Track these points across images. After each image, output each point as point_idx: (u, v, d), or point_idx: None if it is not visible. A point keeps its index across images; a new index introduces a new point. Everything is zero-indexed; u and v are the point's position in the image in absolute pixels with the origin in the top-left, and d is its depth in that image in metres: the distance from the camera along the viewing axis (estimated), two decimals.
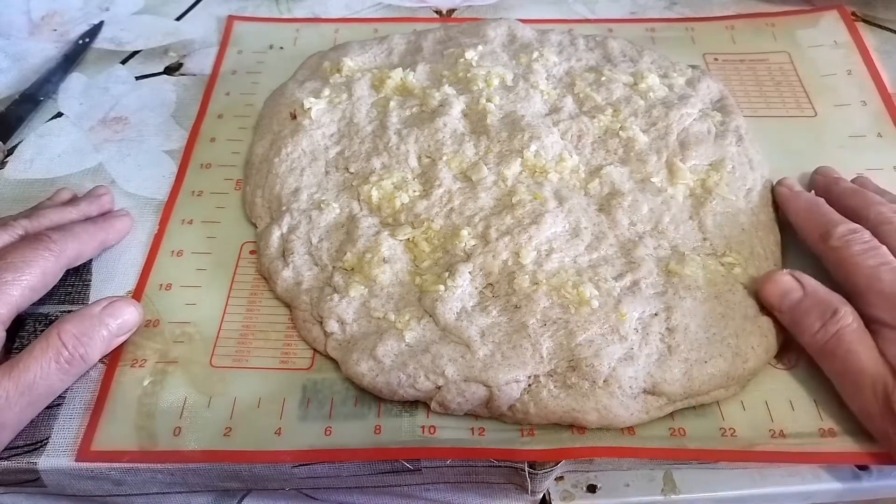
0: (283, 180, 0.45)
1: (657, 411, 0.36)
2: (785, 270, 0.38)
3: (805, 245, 0.41)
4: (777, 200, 0.44)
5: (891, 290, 0.35)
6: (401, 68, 0.50)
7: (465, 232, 0.41)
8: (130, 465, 0.36)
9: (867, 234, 0.38)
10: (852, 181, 0.43)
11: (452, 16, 0.60)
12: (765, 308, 0.39)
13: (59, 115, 0.52)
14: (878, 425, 0.34)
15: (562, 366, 0.37)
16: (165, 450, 0.36)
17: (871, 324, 0.35)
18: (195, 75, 0.55)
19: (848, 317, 0.35)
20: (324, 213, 0.43)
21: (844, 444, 0.36)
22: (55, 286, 0.40)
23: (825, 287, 0.37)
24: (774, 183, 0.44)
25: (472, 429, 0.37)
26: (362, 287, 0.39)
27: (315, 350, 0.40)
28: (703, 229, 0.42)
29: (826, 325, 0.35)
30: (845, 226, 0.38)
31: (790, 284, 0.37)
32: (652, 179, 0.44)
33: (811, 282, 0.37)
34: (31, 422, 0.37)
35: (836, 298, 0.36)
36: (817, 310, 0.36)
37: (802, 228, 0.41)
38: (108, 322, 0.38)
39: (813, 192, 0.44)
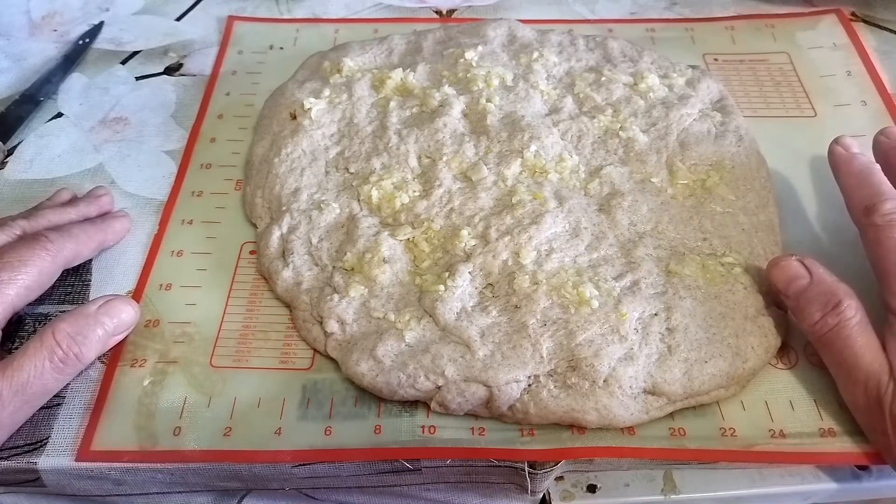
0: (283, 180, 0.45)
1: (657, 411, 0.36)
2: (794, 256, 0.37)
3: (849, 215, 0.39)
4: (830, 160, 0.41)
5: None
6: (401, 68, 0.50)
7: (465, 232, 0.41)
8: (130, 464, 0.36)
9: None
10: None
11: (452, 16, 0.60)
12: (765, 308, 0.39)
13: (60, 115, 0.52)
14: (867, 420, 0.34)
15: (562, 366, 0.37)
16: (165, 450, 0.36)
17: (887, 314, 0.35)
18: (195, 75, 0.55)
19: (850, 310, 0.35)
20: (324, 214, 0.43)
21: (844, 444, 0.36)
22: (55, 286, 0.40)
23: (834, 276, 0.36)
24: (831, 141, 0.42)
25: (472, 429, 0.37)
26: (362, 287, 0.39)
27: (315, 350, 0.40)
28: (703, 229, 0.42)
29: (826, 316, 0.35)
30: (894, 202, 0.36)
31: (797, 271, 0.37)
32: (652, 179, 0.44)
33: (819, 269, 0.36)
34: (31, 421, 0.37)
35: (841, 289, 0.35)
36: (821, 299, 0.35)
37: (849, 196, 0.39)
38: (105, 321, 0.38)
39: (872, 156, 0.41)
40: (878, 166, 0.39)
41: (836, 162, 0.41)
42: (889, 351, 0.34)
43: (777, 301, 0.39)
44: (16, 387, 0.34)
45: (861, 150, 0.41)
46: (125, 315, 0.39)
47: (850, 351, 0.34)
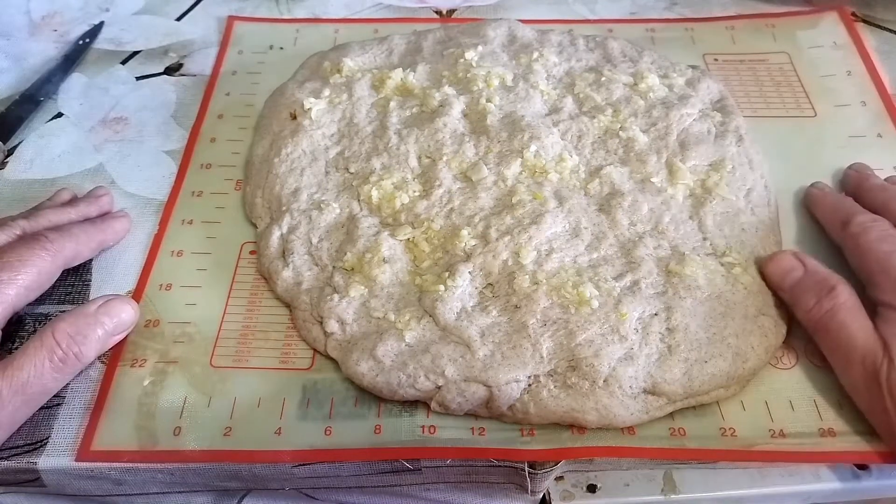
0: (283, 180, 0.45)
1: (657, 411, 0.36)
2: (789, 251, 0.39)
3: (827, 237, 0.42)
4: (807, 201, 0.45)
5: None
6: (401, 68, 0.50)
7: (465, 232, 0.41)
8: (130, 464, 0.36)
9: (886, 224, 0.39)
10: (886, 179, 0.44)
11: (452, 16, 0.60)
12: (765, 308, 0.39)
13: (60, 115, 0.52)
14: (865, 399, 0.35)
15: (562, 366, 0.37)
16: (165, 450, 0.36)
17: (876, 307, 0.36)
18: (195, 75, 0.55)
19: (843, 294, 0.36)
20: (324, 214, 0.43)
21: (844, 443, 0.36)
22: (55, 286, 0.40)
23: (826, 268, 0.38)
24: (808, 185, 0.45)
25: (472, 429, 0.37)
26: (362, 287, 0.39)
27: (315, 350, 0.40)
28: (703, 229, 0.42)
29: (821, 301, 0.37)
30: (866, 215, 0.40)
31: (792, 263, 0.39)
32: (652, 179, 0.44)
33: (812, 262, 0.39)
34: (31, 421, 0.37)
35: (834, 277, 0.37)
36: (815, 287, 0.37)
37: (827, 220, 0.43)
38: (104, 321, 0.38)
39: (843, 191, 0.45)
40: (850, 198, 0.43)
41: (812, 200, 0.44)
42: (881, 330, 0.35)
43: (779, 297, 0.39)
44: (15, 386, 0.34)
45: (835, 184, 0.46)
46: (125, 315, 0.39)
47: (846, 332, 0.35)
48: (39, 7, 0.61)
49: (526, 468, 0.36)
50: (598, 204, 0.43)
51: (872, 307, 0.36)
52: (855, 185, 0.44)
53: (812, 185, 0.45)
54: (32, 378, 0.35)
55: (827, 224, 0.42)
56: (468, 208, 0.42)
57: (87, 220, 0.43)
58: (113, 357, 0.39)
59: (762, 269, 0.40)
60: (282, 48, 0.57)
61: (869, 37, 0.56)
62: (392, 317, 0.38)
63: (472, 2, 0.61)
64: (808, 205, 0.45)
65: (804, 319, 0.38)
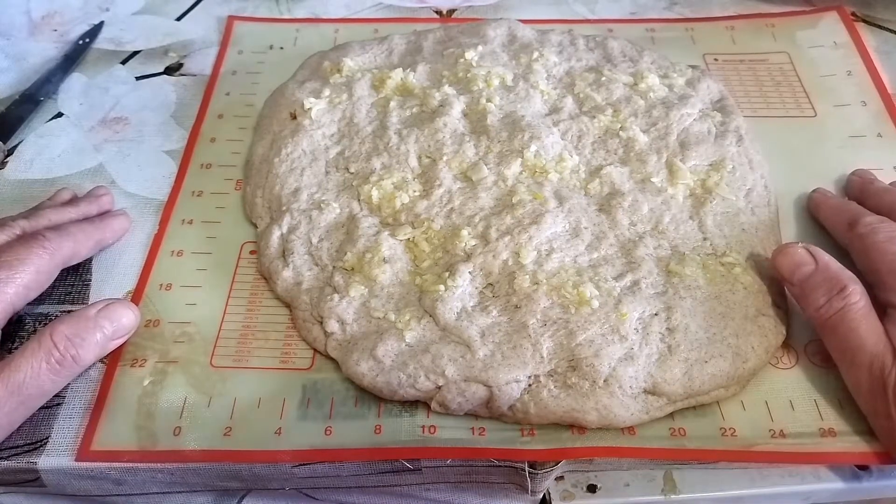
0: (283, 180, 0.45)
1: (657, 411, 0.36)
2: (800, 244, 0.38)
3: (834, 239, 0.42)
4: (810, 206, 0.45)
5: None
6: (401, 68, 0.50)
7: (465, 232, 0.41)
8: (130, 464, 0.36)
9: (894, 225, 0.38)
10: (891, 183, 0.44)
11: (452, 16, 0.60)
12: (765, 308, 0.39)
13: (60, 115, 0.52)
14: (868, 402, 0.35)
15: (562, 366, 0.37)
16: (165, 449, 0.36)
17: (886, 308, 0.36)
18: (195, 75, 0.55)
19: (855, 295, 0.35)
20: (324, 213, 0.43)
21: (844, 444, 0.36)
22: (54, 286, 0.40)
23: (838, 263, 0.37)
24: (809, 189, 0.45)
25: (472, 429, 0.37)
26: (362, 287, 0.39)
27: (315, 350, 0.40)
28: (703, 229, 0.42)
29: (832, 300, 0.36)
30: (873, 216, 0.39)
31: (803, 258, 0.38)
32: (652, 179, 0.44)
33: (824, 257, 0.38)
34: (31, 421, 0.37)
35: (846, 276, 0.36)
36: (826, 285, 0.36)
37: (831, 222, 0.42)
38: (104, 325, 0.38)
39: (847, 196, 0.45)
40: (853, 202, 0.43)
41: (815, 205, 0.44)
42: (890, 334, 0.34)
43: (782, 289, 0.39)
44: (12, 387, 0.34)
45: (839, 190, 0.46)
46: (125, 319, 0.39)
47: (855, 334, 0.35)
48: (39, 7, 0.61)
49: (526, 468, 0.36)
50: (598, 204, 0.43)
51: (881, 308, 0.36)
52: (859, 189, 0.44)
53: (814, 190, 0.45)
54: (29, 379, 0.35)
55: (832, 226, 0.42)
56: (468, 208, 0.42)
57: (86, 220, 0.43)
58: (113, 357, 0.39)
59: (771, 260, 0.39)
60: (282, 48, 0.57)
61: (869, 37, 0.56)
62: (392, 317, 0.38)
63: (472, 2, 0.61)
64: (811, 209, 0.44)
65: (812, 317, 0.37)
